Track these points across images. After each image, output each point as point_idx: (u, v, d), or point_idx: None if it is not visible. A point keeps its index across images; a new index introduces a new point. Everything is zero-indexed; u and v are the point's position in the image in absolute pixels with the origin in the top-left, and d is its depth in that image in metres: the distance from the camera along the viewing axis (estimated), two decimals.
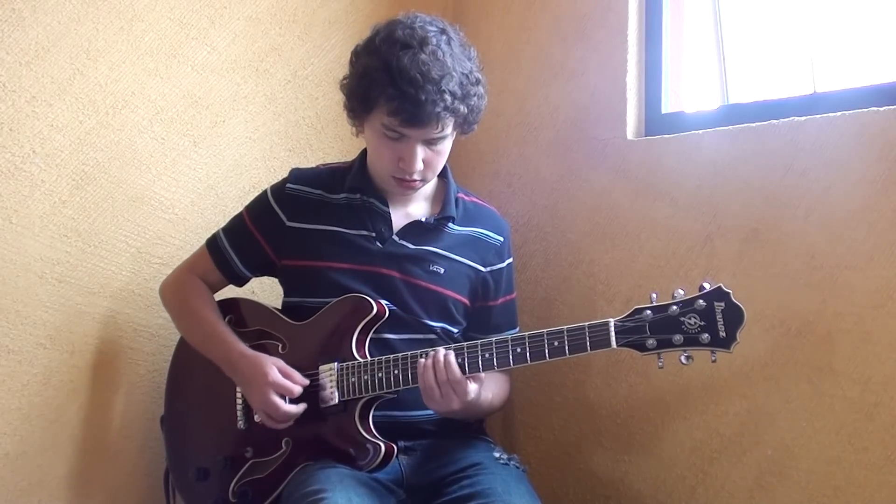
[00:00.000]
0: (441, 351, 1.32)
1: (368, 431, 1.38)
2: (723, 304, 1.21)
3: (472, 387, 1.32)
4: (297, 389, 1.40)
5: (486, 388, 1.40)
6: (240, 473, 1.46)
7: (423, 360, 1.33)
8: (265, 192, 1.56)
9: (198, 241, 1.65)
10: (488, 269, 1.55)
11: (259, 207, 1.55)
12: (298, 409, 1.40)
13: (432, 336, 1.48)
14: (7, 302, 1.50)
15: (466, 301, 1.53)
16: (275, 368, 1.40)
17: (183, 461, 1.56)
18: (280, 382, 1.39)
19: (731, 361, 1.51)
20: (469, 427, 1.55)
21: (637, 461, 1.69)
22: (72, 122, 1.56)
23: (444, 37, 1.37)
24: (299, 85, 1.89)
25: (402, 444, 1.44)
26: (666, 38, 1.77)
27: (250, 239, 1.53)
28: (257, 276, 1.61)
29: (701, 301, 1.22)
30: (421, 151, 1.40)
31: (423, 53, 1.33)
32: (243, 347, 1.46)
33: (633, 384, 1.69)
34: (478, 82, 1.42)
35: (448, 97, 1.34)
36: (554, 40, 1.88)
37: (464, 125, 1.43)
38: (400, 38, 1.34)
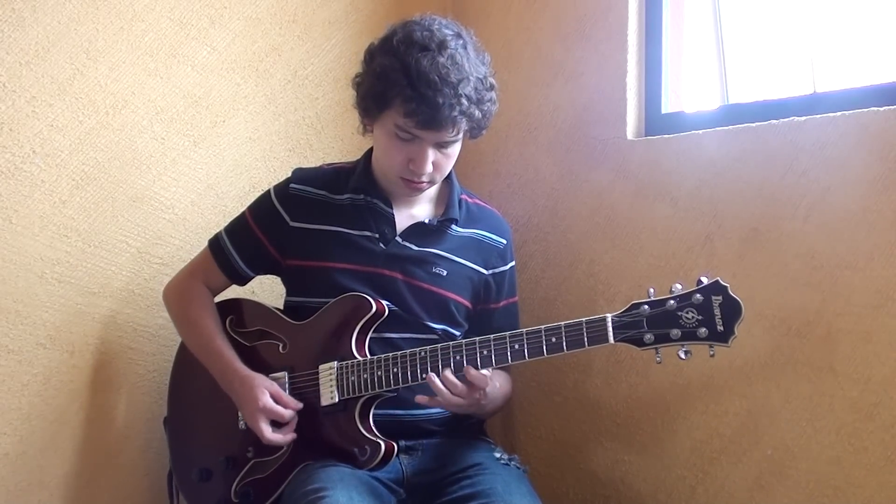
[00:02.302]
0: (448, 371, 1.32)
1: (369, 430, 1.38)
2: (720, 297, 1.21)
3: (485, 372, 1.32)
4: (288, 414, 1.40)
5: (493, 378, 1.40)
6: (242, 473, 1.46)
7: (424, 397, 1.34)
8: (268, 191, 1.56)
9: (198, 240, 1.65)
10: (490, 271, 1.55)
11: (262, 207, 1.55)
12: (286, 438, 1.40)
13: (434, 337, 1.49)
14: (7, 302, 1.50)
15: (468, 304, 1.53)
16: (267, 394, 1.41)
17: (186, 462, 1.56)
18: (271, 408, 1.39)
19: (731, 361, 1.52)
20: (470, 427, 1.55)
21: (637, 461, 1.69)
22: (72, 122, 1.56)
23: (460, 41, 1.37)
24: (299, 85, 1.89)
25: (403, 443, 1.44)
26: (666, 38, 1.77)
27: (253, 239, 1.53)
28: (260, 275, 1.61)
29: (698, 295, 1.22)
30: (432, 154, 1.40)
31: (442, 57, 1.33)
32: (239, 365, 1.46)
33: (633, 384, 1.69)
34: (492, 87, 1.42)
35: (464, 101, 1.33)
36: (554, 40, 1.88)
37: (474, 130, 1.43)
38: (418, 40, 1.34)
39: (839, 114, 1.42)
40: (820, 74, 1.56)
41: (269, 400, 1.40)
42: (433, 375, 1.32)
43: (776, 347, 1.48)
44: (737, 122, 1.58)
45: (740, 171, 1.54)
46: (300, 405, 1.42)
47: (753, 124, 1.54)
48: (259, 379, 1.43)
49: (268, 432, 1.39)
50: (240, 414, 1.47)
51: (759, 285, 1.49)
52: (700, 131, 1.62)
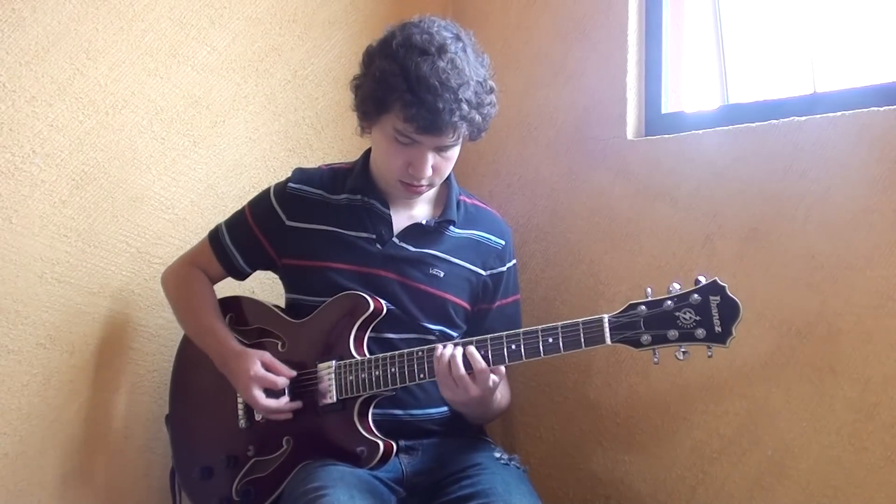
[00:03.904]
0: (459, 348, 1.31)
1: (367, 430, 1.38)
2: (718, 297, 1.20)
3: (493, 378, 1.31)
4: (281, 381, 1.40)
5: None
6: (242, 472, 1.46)
7: (439, 352, 1.32)
8: (268, 189, 1.56)
9: (197, 240, 1.65)
10: (488, 272, 1.55)
11: (260, 205, 1.55)
12: (279, 403, 1.40)
13: (431, 337, 1.48)
14: (7, 302, 1.50)
15: (467, 305, 1.53)
16: (258, 363, 1.41)
17: (188, 460, 1.56)
18: (262, 376, 1.40)
19: (731, 361, 1.52)
20: (469, 427, 1.55)
21: (637, 461, 1.69)
22: (72, 122, 1.56)
23: (460, 43, 1.36)
24: (299, 85, 1.89)
25: (402, 443, 1.44)
26: (666, 38, 1.77)
27: (251, 236, 1.54)
28: (259, 270, 1.61)
29: (696, 295, 1.21)
30: (431, 158, 1.39)
31: (442, 61, 1.31)
32: (233, 343, 1.47)
33: (633, 384, 1.69)
34: (491, 90, 1.41)
35: (465, 106, 1.32)
36: (553, 40, 1.88)
37: (474, 133, 1.41)
38: (418, 44, 1.32)
39: (839, 114, 1.42)
40: (820, 74, 1.56)
41: (260, 368, 1.40)
42: (472, 350, 1.30)
43: (776, 348, 1.48)
44: (737, 122, 1.58)
45: (740, 171, 1.54)
46: (293, 373, 1.42)
47: (753, 124, 1.53)
48: (251, 351, 1.44)
49: (262, 400, 1.39)
50: (240, 412, 1.47)
51: (759, 285, 1.49)
52: (700, 131, 1.62)
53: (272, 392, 1.41)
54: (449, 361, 1.30)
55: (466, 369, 1.30)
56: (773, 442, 1.49)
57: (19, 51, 1.49)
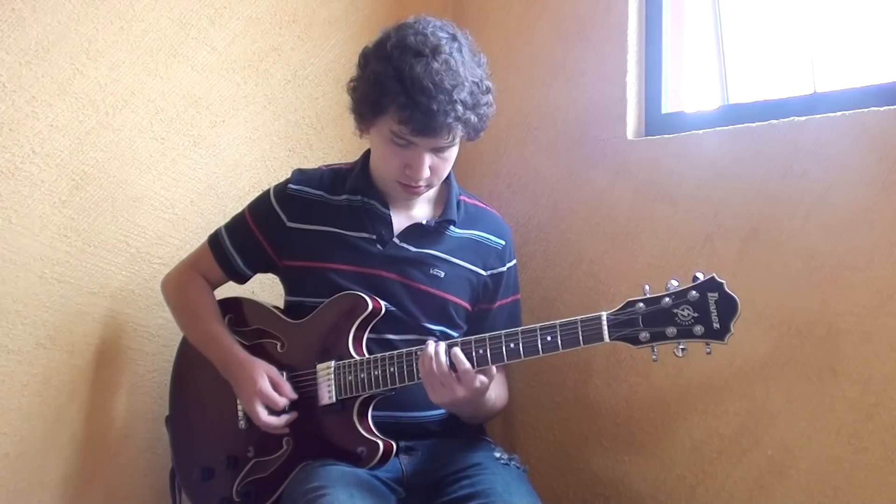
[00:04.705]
0: (442, 345, 1.31)
1: (367, 430, 1.38)
2: (716, 294, 1.19)
3: (481, 378, 1.31)
4: (283, 402, 1.40)
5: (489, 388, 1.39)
6: (243, 473, 1.46)
7: (423, 351, 1.31)
8: (267, 191, 1.56)
9: (197, 241, 1.65)
10: (489, 272, 1.55)
11: (260, 207, 1.55)
12: (279, 421, 1.40)
13: (431, 338, 1.48)
14: (7, 302, 1.50)
15: (467, 305, 1.53)
16: (266, 378, 1.41)
17: (188, 461, 1.56)
18: (267, 393, 1.39)
19: (731, 361, 1.52)
20: (470, 427, 1.55)
21: (637, 461, 1.69)
22: (72, 122, 1.56)
23: (455, 44, 1.35)
24: (299, 85, 1.89)
25: (402, 443, 1.44)
26: (666, 38, 1.77)
27: (251, 238, 1.54)
28: (259, 273, 1.61)
29: (694, 292, 1.21)
30: (428, 159, 1.38)
31: (436, 62, 1.31)
32: (238, 351, 1.46)
33: (633, 384, 1.69)
34: (488, 90, 1.40)
35: (459, 107, 1.32)
36: (554, 40, 1.88)
37: (471, 133, 1.41)
38: (412, 45, 1.32)
39: (839, 114, 1.42)
40: (820, 74, 1.56)
41: (267, 385, 1.40)
42: (456, 351, 1.29)
43: (776, 347, 1.48)
44: (737, 122, 1.58)
45: (740, 171, 1.54)
46: (295, 395, 1.42)
47: (753, 124, 1.53)
48: (258, 363, 1.43)
49: (263, 415, 1.39)
50: (240, 413, 1.47)
51: (759, 285, 1.49)
52: (700, 131, 1.62)
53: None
54: (433, 360, 1.30)
55: (452, 369, 1.30)
56: (773, 442, 1.49)
57: (19, 51, 1.49)
